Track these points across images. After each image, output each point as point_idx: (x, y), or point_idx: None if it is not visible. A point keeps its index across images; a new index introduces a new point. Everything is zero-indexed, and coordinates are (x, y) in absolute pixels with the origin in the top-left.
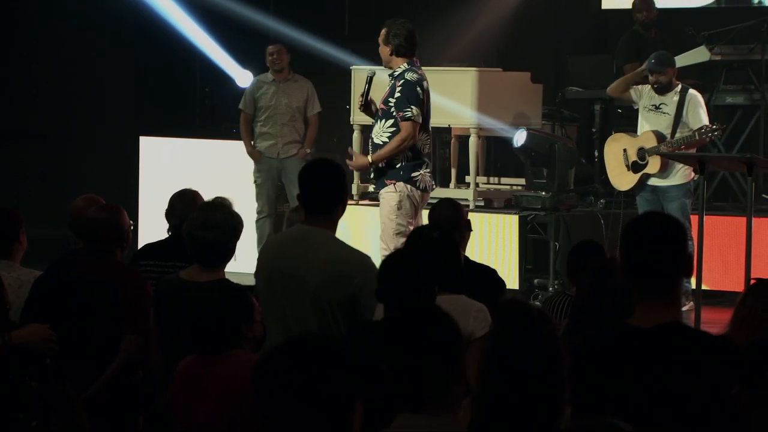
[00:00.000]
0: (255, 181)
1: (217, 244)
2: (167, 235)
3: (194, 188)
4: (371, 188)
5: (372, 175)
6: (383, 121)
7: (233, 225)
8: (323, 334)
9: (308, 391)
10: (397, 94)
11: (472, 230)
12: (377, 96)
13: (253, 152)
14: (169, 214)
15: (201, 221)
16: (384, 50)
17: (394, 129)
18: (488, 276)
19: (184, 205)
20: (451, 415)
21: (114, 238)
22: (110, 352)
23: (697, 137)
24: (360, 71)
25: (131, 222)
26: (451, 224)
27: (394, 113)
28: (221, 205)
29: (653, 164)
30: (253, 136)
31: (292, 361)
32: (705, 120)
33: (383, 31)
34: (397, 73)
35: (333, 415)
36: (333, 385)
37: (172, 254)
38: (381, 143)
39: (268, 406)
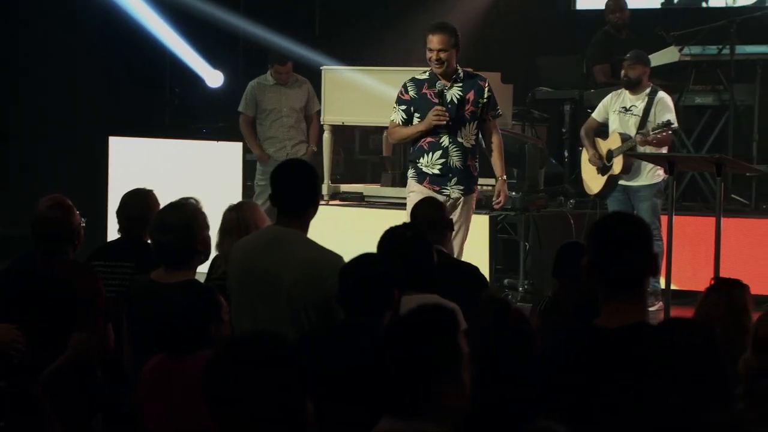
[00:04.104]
0: (257, 183)
1: (175, 245)
2: (118, 236)
3: (164, 188)
4: (455, 193)
5: (455, 180)
6: (472, 123)
7: (189, 226)
8: (269, 333)
9: (257, 390)
10: (488, 94)
11: (453, 230)
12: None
13: (262, 155)
14: (121, 214)
15: (157, 224)
16: (452, 53)
17: (477, 131)
18: (471, 274)
19: (136, 205)
20: (440, 425)
21: (64, 237)
22: (62, 349)
23: (650, 134)
24: (330, 72)
25: (83, 220)
26: (433, 223)
27: (479, 113)
28: (178, 207)
29: (617, 164)
30: (256, 137)
31: (239, 361)
32: None
33: (447, 37)
34: (463, 74)
35: (283, 414)
36: (281, 384)
37: (120, 255)
38: (470, 146)
39: (219, 409)
